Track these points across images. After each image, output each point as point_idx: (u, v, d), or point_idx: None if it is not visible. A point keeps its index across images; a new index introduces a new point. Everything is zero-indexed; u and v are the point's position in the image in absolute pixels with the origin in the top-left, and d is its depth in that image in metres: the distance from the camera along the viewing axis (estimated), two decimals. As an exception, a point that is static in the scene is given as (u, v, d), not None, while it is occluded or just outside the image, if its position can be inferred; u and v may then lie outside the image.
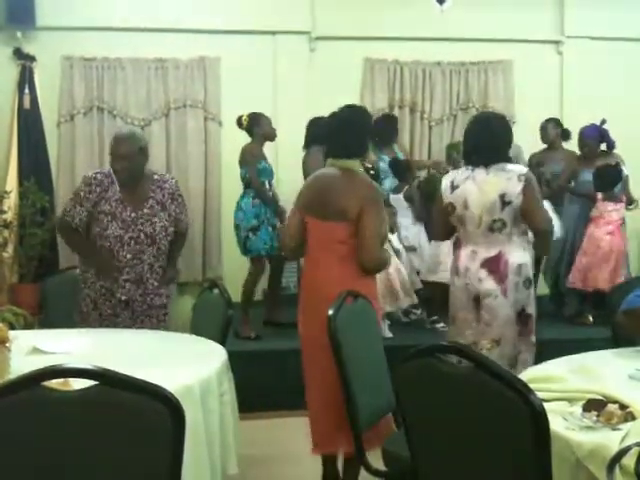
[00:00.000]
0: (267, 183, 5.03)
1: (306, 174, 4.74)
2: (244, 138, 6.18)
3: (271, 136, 5.15)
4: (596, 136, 5.38)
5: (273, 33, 6.34)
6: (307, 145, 5.17)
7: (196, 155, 6.24)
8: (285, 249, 3.25)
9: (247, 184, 4.96)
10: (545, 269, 5.60)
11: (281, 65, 6.35)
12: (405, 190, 5.42)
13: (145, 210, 3.24)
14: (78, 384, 1.45)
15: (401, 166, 5.53)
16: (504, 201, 3.10)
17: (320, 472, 3.04)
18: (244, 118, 5.07)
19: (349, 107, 3.19)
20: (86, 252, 3.33)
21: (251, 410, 3.61)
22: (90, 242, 3.28)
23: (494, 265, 3.13)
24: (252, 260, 4.99)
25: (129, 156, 3.24)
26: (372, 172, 3.79)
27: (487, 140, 3.19)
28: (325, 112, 5.31)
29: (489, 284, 3.13)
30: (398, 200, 5.36)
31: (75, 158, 6.12)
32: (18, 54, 5.89)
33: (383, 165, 5.43)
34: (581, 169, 5.35)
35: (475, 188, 3.15)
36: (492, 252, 3.14)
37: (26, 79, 5.85)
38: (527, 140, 5.87)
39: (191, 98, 6.25)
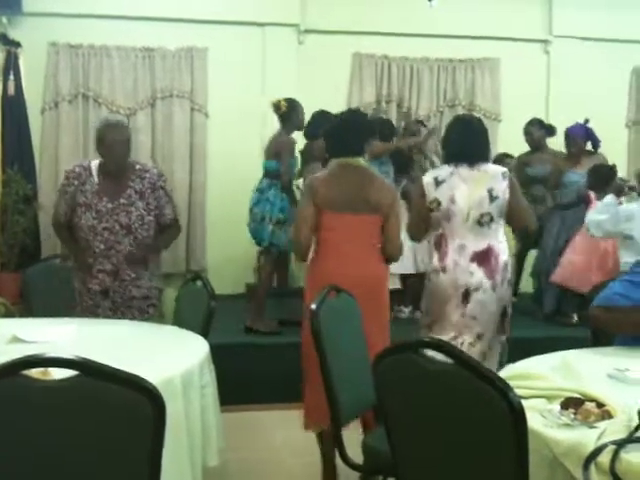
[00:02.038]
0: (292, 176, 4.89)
1: (311, 162, 4.69)
2: (231, 130, 6.19)
3: (302, 127, 4.95)
4: (582, 134, 5.38)
5: (262, 25, 6.32)
6: (311, 136, 4.96)
7: (182, 146, 6.22)
8: (300, 248, 3.18)
9: (274, 176, 4.71)
10: (533, 267, 5.61)
11: (269, 57, 6.33)
12: (403, 186, 5.27)
13: (122, 200, 3.23)
14: (58, 374, 1.44)
15: (403, 156, 5.40)
16: (492, 196, 3.20)
17: (301, 465, 3.06)
18: (282, 103, 4.77)
19: (353, 110, 3.44)
20: (70, 245, 3.39)
21: (233, 402, 3.62)
22: (72, 235, 3.33)
23: (485, 259, 3.20)
24: (268, 252, 4.81)
25: (122, 143, 3.25)
26: None
27: (472, 140, 3.31)
28: (313, 105, 5.33)
29: (480, 277, 3.19)
30: None
31: (59, 146, 6.08)
32: (3, 39, 5.83)
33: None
34: (567, 169, 5.36)
35: (462, 183, 3.22)
36: (481, 246, 3.21)
37: (11, 65, 5.78)
38: (513, 138, 5.91)
39: (178, 88, 6.22)
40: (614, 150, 5.81)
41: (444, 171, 3.29)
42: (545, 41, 6.79)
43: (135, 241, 3.25)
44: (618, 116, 6.87)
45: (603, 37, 6.65)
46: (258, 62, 6.29)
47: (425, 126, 5.89)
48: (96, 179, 3.23)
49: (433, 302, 3.29)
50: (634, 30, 6.63)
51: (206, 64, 6.27)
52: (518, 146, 5.75)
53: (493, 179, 3.22)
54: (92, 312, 3.22)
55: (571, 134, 5.38)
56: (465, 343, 3.16)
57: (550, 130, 5.64)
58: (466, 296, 3.19)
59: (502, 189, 3.20)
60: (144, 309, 3.32)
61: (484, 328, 3.19)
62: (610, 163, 5.19)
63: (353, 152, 3.20)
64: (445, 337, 3.15)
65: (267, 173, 4.80)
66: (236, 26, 6.28)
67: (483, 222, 3.20)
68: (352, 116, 3.46)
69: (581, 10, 6.59)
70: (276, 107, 4.81)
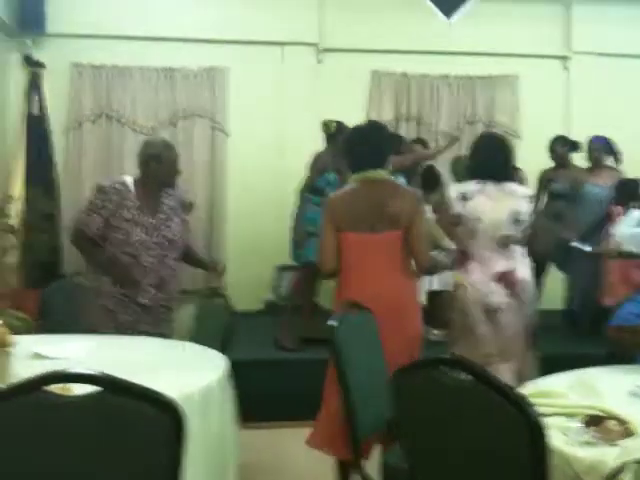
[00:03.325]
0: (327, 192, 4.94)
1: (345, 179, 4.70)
2: (250, 148, 6.23)
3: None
4: (604, 144, 5.38)
5: (281, 44, 6.39)
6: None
7: (202, 164, 6.28)
8: (326, 270, 3.16)
9: (311, 190, 4.82)
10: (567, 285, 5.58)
11: (289, 76, 6.39)
12: (434, 203, 5.14)
13: (160, 216, 3.28)
14: (79, 389, 1.45)
15: (434, 175, 5.34)
16: (516, 219, 3.23)
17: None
18: (333, 124, 4.89)
19: (371, 122, 3.32)
20: (102, 262, 3.27)
21: (252, 420, 3.61)
22: (106, 252, 3.25)
23: (508, 279, 3.21)
24: (302, 269, 4.90)
25: (176, 161, 3.36)
26: None
27: (498, 157, 3.34)
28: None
29: (504, 297, 3.19)
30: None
31: (82, 165, 6.17)
32: (27, 61, 5.95)
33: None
34: (587, 180, 5.32)
35: (489, 202, 3.23)
36: (504, 266, 3.22)
37: (35, 85, 5.90)
38: (532, 155, 5.88)
39: (199, 107, 6.30)
40: (635, 166, 5.76)
41: (471, 187, 3.28)
42: (564, 57, 6.77)
43: (178, 256, 3.33)
44: (639, 131, 6.82)
45: (622, 52, 6.62)
46: (277, 81, 6.35)
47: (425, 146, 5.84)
48: (134, 195, 3.27)
49: (458, 316, 3.29)
50: (654, 45, 6.60)
51: (227, 83, 6.34)
52: (537, 163, 5.72)
53: (519, 201, 3.26)
54: (132, 328, 3.18)
55: (591, 143, 5.38)
56: (499, 363, 3.16)
57: (574, 146, 5.62)
58: (491, 315, 3.19)
59: (527, 213, 3.25)
60: (172, 324, 3.36)
61: (511, 346, 3.20)
62: (635, 177, 5.17)
63: (374, 165, 3.07)
64: (476, 354, 3.15)
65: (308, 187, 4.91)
66: (256, 46, 6.35)
67: (507, 242, 3.23)
68: (371, 128, 3.32)
69: (600, 26, 6.58)
70: (325, 127, 4.94)
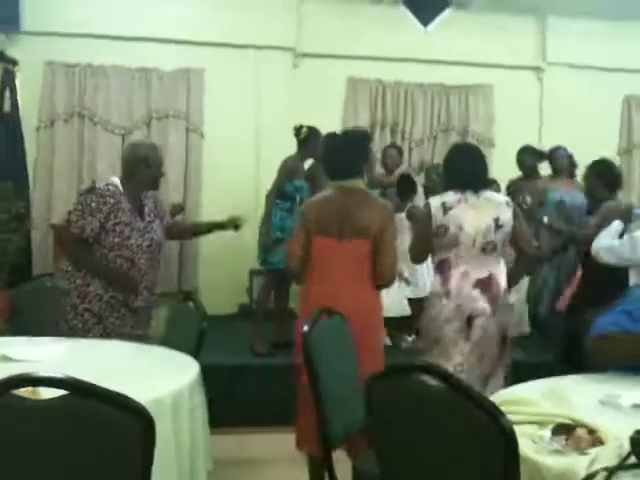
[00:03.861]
0: (299, 199, 4.86)
1: (319, 185, 4.67)
2: (226, 151, 6.21)
3: (317, 156, 4.88)
4: (567, 154, 5.48)
5: (258, 47, 6.38)
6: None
7: (177, 166, 6.24)
8: (291, 272, 3.24)
9: (279, 195, 4.81)
10: (529, 292, 5.61)
11: (265, 80, 6.38)
12: (408, 208, 5.19)
13: (147, 219, 3.29)
14: (48, 393, 1.43)
15: (409, 182, 5.35)
16: (497, 225, 3.28)
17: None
18: (304, 130, 4.88)
19: (349, 131, 3.32)
20: (97, 266, 3.21)
21: (223, 424, 3.59)
22: (99, 256, 3.19)
23: (487, 286, 3.25)
24: (265, 271, 4.93)
25: (160, 166, 3.38)
26: None
27: (475, 166, 3.41)
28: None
29: (482, 304, 3.22)
30: (399, 220, 5.19)
31: (53, 164, 6.10)
32: (1, 57, 5.86)
33: None
34: (550, 188, 5.38)
35: (470, 211, 3.27)
36: (484, 273, 3.26)
37: (7, 83, 5.81)
38: (506, 164, 5.94)
39: (173, 109, 6.26)
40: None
41: (451, 197, 3.31)
42: (538, 68, 6.87)
43: (162, 257, 3.37)
44: (610, 144, 6.93)
45: (596, 65, 6.74)
46: (253, 84, 6.34)
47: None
48: (125, 198, 3.23)
49: (433, 326, 3.29)
50: (626, 59, 6.73)
51: (202, 85, 6.32)
52: (511, 171, 5.78)
53: (498, 208, 3.31)
54: (118, 332, 3.15)
55: (554, 152, 5.46)
56: (468, 367, 3.20)
57: (541, 156, 5.69)
58: (469, 322, 3.22)
59: (507, 219, 3.29)
60: (148, 325, 3.34)
61: (486, 353, 3.23)
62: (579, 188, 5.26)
63: (349, 174, 3.12)
64: (451, 362, 3.19)
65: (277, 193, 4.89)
66: (232, 49, 6.33)
67: (487, 250, 3.27)
68: (348, 137, 3.36)
69: (574, 38, 6.69)
70: (296, 131, 4.92)
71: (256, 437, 4.05)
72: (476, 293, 3.23)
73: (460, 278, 3.25)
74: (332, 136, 3.37)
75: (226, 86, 6.27)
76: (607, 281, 3.92)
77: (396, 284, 4.43)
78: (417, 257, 3.51)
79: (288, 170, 4.79)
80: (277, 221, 4.77)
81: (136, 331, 3.22)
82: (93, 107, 6.14)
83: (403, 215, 5.18)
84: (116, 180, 3.27)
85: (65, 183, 6.11)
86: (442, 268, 3.32)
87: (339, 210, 3.06)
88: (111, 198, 3.17)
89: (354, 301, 2.94)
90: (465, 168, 3.37)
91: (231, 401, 4.03)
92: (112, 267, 3.18)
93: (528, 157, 5.63)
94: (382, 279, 3.07)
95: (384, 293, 4.43)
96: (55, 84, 6.08)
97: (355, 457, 2.49)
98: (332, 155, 3.20)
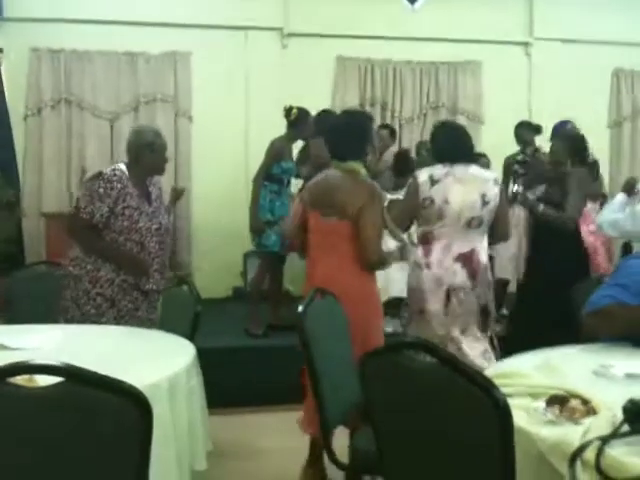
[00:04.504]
0: (286, 181, 4.88)
1: (312, 162, 4.60)
2: (215, 134, 6.18)
3: (307, 138, 4.92)
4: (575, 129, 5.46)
5: (245, 29, 6.34)
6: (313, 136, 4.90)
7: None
8: (290, 243, 3.35)
9: (267, 177, 4.77)
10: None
11: (253, 61, 6.34)
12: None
13: (154, 204, 3.31)
14: (44, 381, 1.43)
15: (407, 159, 5.28)
16: (484, 201, 3.29)
17: (289, 466, 3.06)
18: (294, 111, 4.81)
19: (350, 112, 3.36)
20: (108, 250, 3.20)
21: (221, 406, 3.61)
22: (108, 240, 3.19)
23: (468, 260, 3.29)
24: (259, 253, 4.92)
25: (165, 151, 3.37)
26: None
27: (462, 141, 3.44)
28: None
29: (462, 278, 3.27)
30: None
31: (43, 152, 6.06)
32: (-16, 45, 5.80)
33: None
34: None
35: (457, 185, 3.28)
36: (466, 248, 3.29)
37: (-8, 71, 5.75)
38: (495, 140, 5.95)
39: (161, 93, 6.22)
40: (596, 150, 5.85)
41: (439, 170, 3.33)
42: (526, 43, 6.85)
43: (170, 241, 3.42)
44: (600, 117, 6.95)
45: (583, 39, 6.72)
46: (241, 66, 6.30)
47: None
48: (131, 183, 3.24)
49: (415, 297, 3.34)
50: (614, 32, 6.71)
51: (189, 68, 6.27)
52: (501, 147, 5.79)
53: (486, 184, 3.33)
54: (132, 316, 3.18)
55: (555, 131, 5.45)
56: (454, 338, 3.25)
57: (538, 130, 5.68)
58: (448, 295, 3.26)
59: (493, 195, 3.31)
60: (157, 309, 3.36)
61: (466, 325, 3.29)
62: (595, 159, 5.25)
63: (348, 156, 3.09)
64: (435, 334, 3.23)
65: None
66: (219, 30, 6.29)
67: (472, 225, 3.30)
68: (351, 118, 3.29)
69: (562, 12, 6.66)
70: (286, 112, 4.87)
71: (254, 417, 4.08)
72: (457, 267, 3.27)
73: (441, 251, 3.29)
74: (329, 113, 3.35)
75: (214, 69, 6.23)
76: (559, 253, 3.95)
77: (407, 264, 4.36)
78: (399, 226, 3.51)
79: (275, 152, 4.77)
80: (266, 204, 4.75)
81: (150, 315, 3.25)
82: (80, 93, 6.09)
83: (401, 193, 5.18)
84: (122, 166, 3.28)
85: (55, 170, 6.09)
86: (425, 240, 3.35)
87: (327, 191, 3.08)
88: (118, 183, 3.19)
89: (342, 282, 2.89)
90: (452, 141, 3.41)
91: (228, 383, 4.04)
92: (123, 250, 3.19)
93: (525, 131, 5.63)
94: (365, 259, 3.00)
95: (393, 274, 4.44)
96: (41, 71, 6.04)
97: (352, 433, 2.51)
98: (335, 135, 3.17)
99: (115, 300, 3.19)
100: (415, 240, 3.53)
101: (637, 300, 2.33)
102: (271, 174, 4.77)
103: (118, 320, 3.14)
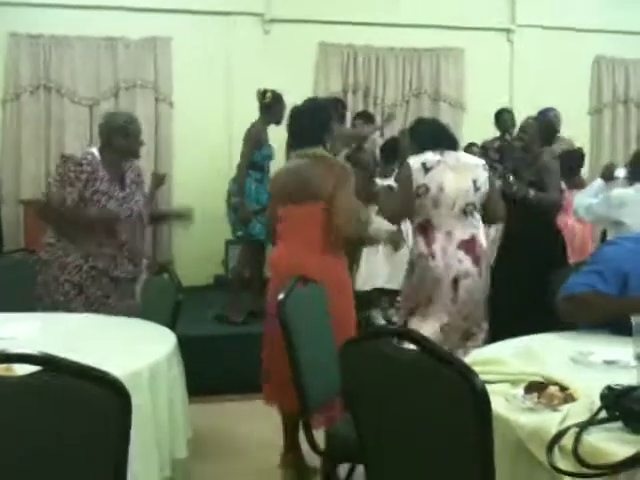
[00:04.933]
0: (267, 167, 4.85)
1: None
2: (196, 120, 6.14)
3: (281, 121, 4.80)
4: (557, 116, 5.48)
5: (227, 14, 6.28)
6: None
7: (147, 137, 5.98)
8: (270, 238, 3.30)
9: (250, 165, 4.75)
10: None
11: (234, 47, 6.29)
12: (396, 174, 4.99)
13: (127, 189, 3.26)
14: (22, 370, 1.42)
15: (396, 146, 5.18)
16: (476, 187, 3.33)
17: (269, 453, 3.07)
18: (268, 94, 4.79)
19: (312, 99, 3.36)
20: (77, 217, 3.15)
21: (202, 394, 3.60)
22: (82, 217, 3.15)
23: (470, 247, 3.30)
24: (244, 242, 4.87)
25: (139, 135, 3.33)
26: None
27: (446, 131, 3.52)
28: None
29: (468, 265, 3.28)
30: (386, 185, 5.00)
31: (21, 138, 5.98)
32: (-39, 30, 5.70)
33: None
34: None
35: (450, 172, 3.30)
36: (466, 234, 3.31)
37: (-31, 56, 5.66)
38: (477, 126, 5.97)
39: (141, 78, 6.16)
40: (577, 137, 5.89)
41: (430, 157, 3.32)
42: (508, 30, 6.85)
43: (143, 229, 3.34)
44: (580, 103, 6.98)
45: (565, 26, 6.74)
46: (223, 52, 6.25)
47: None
48: (102, 168, 3.19)
49: (421, 286, 3.32)
50: (595, 19, 6.74)
51: (170, 54, 6.21)
52: (482, 134, 5.81)
53: (476, 169, 3.36)
54: (102, 303, 3.15)
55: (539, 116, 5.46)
56: (453, 326, 3.27)
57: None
58: (455, 282, 3.27)
59: (484, 180, 3.35)
60: (136, 296, 3.32)
61: (472, 313, 3.31)
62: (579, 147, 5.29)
63: (310, 142, 3.09)
64: (439, 322, 3.25)
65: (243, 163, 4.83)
66: (200, 15, 6.22)
67: (467, 211, 3.32)
68: (307, 106, 3.29)
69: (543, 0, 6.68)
70: (261, 96, 4.83)
71: (234, 404, 4.09)
72: (461, 254, 3.28)
73: (444, 239, 3.29)
74: (294, 107, 3.34)
75: (195, 54, 6.17)
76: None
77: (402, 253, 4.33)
78: (396, 218, 3.52)
79: (254, 139, 4.74)
80: (252, 193, 4.73)
81: (122, 302, 3.21)
82: (59, 79, 6.02)
83: (392, 181, 5.11)
84: (94, 150, 3.25)
85: (33, 157, 6.02)
86: (425, 230, 3.34)
87: (298, 178, 3.06)
88: (88, 166, 3.15)
89: (316, 267, 2.88)
90: (436, 131, 3.46)
91: (209, 371, 4.04)
92: (89, 212, 3.13)
93: (509, 117, 5.63)
94: (341, 238, 3.01)
95: (380, 265, 4.41)
96: (19, 56, 5.95)
97: (331, 422, 2.51)
98: (293, 125, 3.19)
99: (83, 287, 3.16)
100: (407, 234, 3.54)
101: (612, 287, 2.36)
102: (253, 162, 4.75)
103: (87, 307, 3.11)
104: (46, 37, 5.97)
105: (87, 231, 3.15)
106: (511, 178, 4.06)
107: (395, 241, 3.36)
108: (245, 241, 4.87)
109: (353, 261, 4.74)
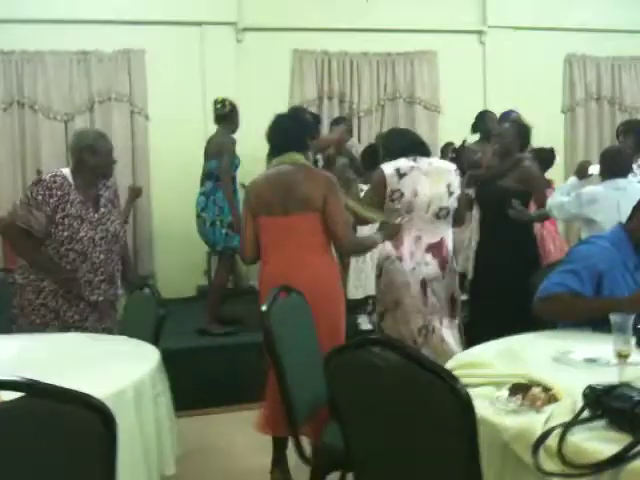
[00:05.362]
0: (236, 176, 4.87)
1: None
2: (173, 132, 6.12)
3: (236, 129, 4.92)
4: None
5: (199, 24, 6.27)
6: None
7: (123, 150, 6.09)
8: (246, 259, 3.22)
9: (218, 177, 4.73)
10: None
11: (208, 57, 6.28)
12: (370, 178, 5.14)
13: (102, 210, 3.18)
14: (3, 395, 1.41)
15: (375, 152, 5.30)
16: (449, 191, 3.38)
17: (257, 464, 3.06)
18: (228, 102, 4.80)
19: (294, 107, 3.39)
20: (43, 262, 3.09)
21: (189, 407, 3.59)
22: (47, 250, 3.07)
23: (437, 251, 3.36)
24: (223, 255, 4.82)
25: (112, 151, 3.26)
26: None
27: (417, 137, 3.60)
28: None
29: (434, 268, 3.34)
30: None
31: (-4, 156, 5.92)
32: None
33: None
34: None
35: (424, 177, 3.34)
36: (436, 238, 3.37)
37: (-59, 75, 5.59)
38: (453, 128, 6.00)
39: (116, 91, 6.12)
40: (551, 136, 5.96)
41: (403, 163, 3.36)
42: (480, 32, 6.91)
43: (120, 249, 3.26)
44: (554, 102, 7.06)
45: (535, 26, 6.81)
46: (197, 62, 6.24)
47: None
48: (74, 189, 3.13)
49: (391, 290, 3.35)
50: (565, 18, 6.82)
51: (144, 66, 6.18)
52: (458, 135, 5.83)
53: (449, 174, 3.41)
54: (78, 327, 3.07)
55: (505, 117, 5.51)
56: (435, 328, 3.32)
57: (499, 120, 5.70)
58: (423, 285, 3.32)
59: (456, 185, 3.41)
60: (115, 317, 3.27)
61: (440, 314, 3.36)
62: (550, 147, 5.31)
63: (287, 149, 3.08)
64: (413, 326, 3.29)
65: (210, 175, 4.80)
66: (172, 26, 6.21)
67: (440, 215, 3.37)
68: (287, 114, 3.33)
69: (513, 0, 6.74)
70: (221, 105, 4.81)
71: (222, 417, 4.07)
72: (428, 258, 3.34)
73: (412, 243, 3.34)
74: (274, 117, 3.34)
75: (169, 66, 6.15)
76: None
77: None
78: (366, 220, 3.54)
79: (230, 150, 4.72)
80: (227, 205, 4.70)
81: (101, 325, 3.15)
82: (33, 95, 5.97)
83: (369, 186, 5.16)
84: (65, 171, 3.16)
85: (9, 174, 5.97)
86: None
87: (281, 185, 3.02)
88: (58, 190, 3.06)
89: (308, 277, 2.90)
90: (408, 136, 3.54)
91: (195, 383, 4.03)
92: (56, 266, 3.06)
93: (489, 120, 5.64)
94: (340, 248, 3.11)
95: (371, 272, 4.41)
96: (-9, 73, 5.89)
97: (316, 434, 2.51)
98: (271, 133, 3.16)
99: (60, 311, 3.09)
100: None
101: (587, 286, 2.40)
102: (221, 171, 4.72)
103: (64, 331, 3.02)
104: (18, 53, 5.92)
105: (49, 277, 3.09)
106: (520, 206, 4.04)
107: (389, 233, 3.34)
108: (230, 252, 4.83)
109: (344, 270, 4.76)
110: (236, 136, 4.86)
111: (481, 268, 4.13)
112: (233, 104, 4.83)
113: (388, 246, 3.37)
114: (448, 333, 3.37)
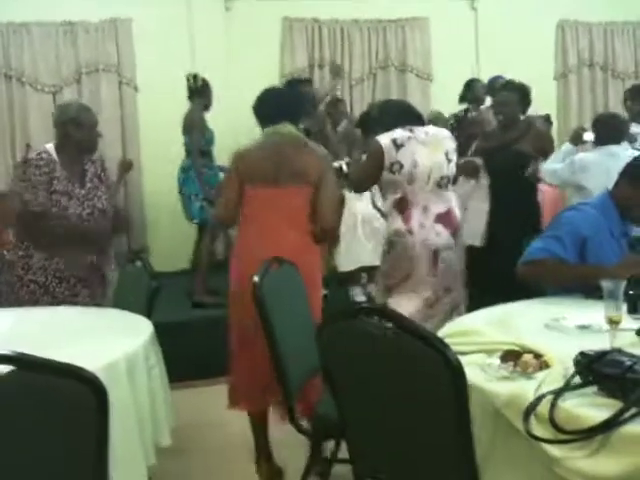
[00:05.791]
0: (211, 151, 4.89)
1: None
2: (162, 103, 6.04)
3: (210, 106, 4.96)
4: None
5: (186, -8, 6.16)
6: None
7: (112, 122, 6.03)
8: (222, 220, 3.20)
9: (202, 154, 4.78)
10: None
11: (196, 26, 6.18)
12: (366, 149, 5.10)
13: (88, 185, 3.14)
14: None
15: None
16: (448, 158, 3.33)
17: (251, 435, 3.07)
18: (201, 78, 4.79)
19: (289, 79, 3.35)
20: (62, 231, 3.04)
21: (183, 379, 3.60)
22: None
23: (447, 220, 3.31)
24: (202, 228, 4.87)
25: (96, 125, 3.20)
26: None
27: (412, 107, 3.54)
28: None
29: (446, 237, 3.29)
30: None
31: (-17, 130, 5.85)
32: None
33: None
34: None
35: (422, 147, 3.28)
36: (442, 208, 3.31)
37: None
38: (445, 96, 5.96)
39: (104, 62, 6.03)
40: (544, 102, 5.91)
41: (400, 134, 3.29)
42: (472, -3, 6.83)
43: (109, 224, 3.22)
44: (546, 69, 7.00)
45: (528, -9, 6.73)
46: (185, 31, 6.14)
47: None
48: (59, 165, 3.08)
49: (401, 264, 3.31)
50: (557, -18, 6.73)
51: (131, 36, 6.09)
52: (450, 104, 5.80)
53: (446, 142, 3.36)
54: (69, 302, 3.06)
55: (495, 83, 5.46)
56: (436, 300, 3.29)
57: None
58: (435, 256, 3.27)
59: (453, 151, 3.36)
60: (107, 294, 3.26)
61: (452, 285, 3.33)
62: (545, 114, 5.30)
63: (281, 118, 2.99)
64: (421, 296, 3.26)
65: (187, 150, 4.87)
66: (160, -5, 6.10)
67: (442, 184, 3.32)
68: (285, 85, 3.31)
69: (505, -36, 6.66)
70: (193, 80, 4.84)
71: (215, 389, 4.07)
72: (439, 228, 3.28)
73: (421, 214, 3.28)
74: (266, 88, 3.30)
75: (156, 35, 6.05)
76: None
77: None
78: (360, 187, 3.53)
79: (199, 126, 4.72)
80: (204, 180, 4.74)
81: (93, 300, 3.14)
82: (19, 66, 5.88)
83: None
84: (49, 147, 3.12)
85: (32, 152, 5.88)
86: (401, 206, 3.31)
87: (274, 156, 2.93)
88: (45, 167, 3.04)
89: (292, 250, 2.79)
90: (402, 106, 3.49)
91: (188, 356, 4.03)
92: (72, 225, 3.06)
93: (480, 87, 5.60)
94: (323, 228, 2.97)
95: (365, 243, 4.40)
96: (-23, 46, 5.80)
97: (309, 406, 2.51)
98: (262, 103, 3.07)
99: (49, 287, 3.08)
100: (385, 209, 3.53)
101: (570, 252, 2.42)
102: (203, 151, 4.79)
103: (54, 306, 3.00)
104: (4, 24, 5.81)
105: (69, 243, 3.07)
106: (530, 170, 4.03)
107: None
108: (202, 226, 4.86)
109: (333, 245, 4.74)
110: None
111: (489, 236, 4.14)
112: (205, 80, 4.82)
113: (397, 220, 3.31)
114: (457, 303, 3.36)
